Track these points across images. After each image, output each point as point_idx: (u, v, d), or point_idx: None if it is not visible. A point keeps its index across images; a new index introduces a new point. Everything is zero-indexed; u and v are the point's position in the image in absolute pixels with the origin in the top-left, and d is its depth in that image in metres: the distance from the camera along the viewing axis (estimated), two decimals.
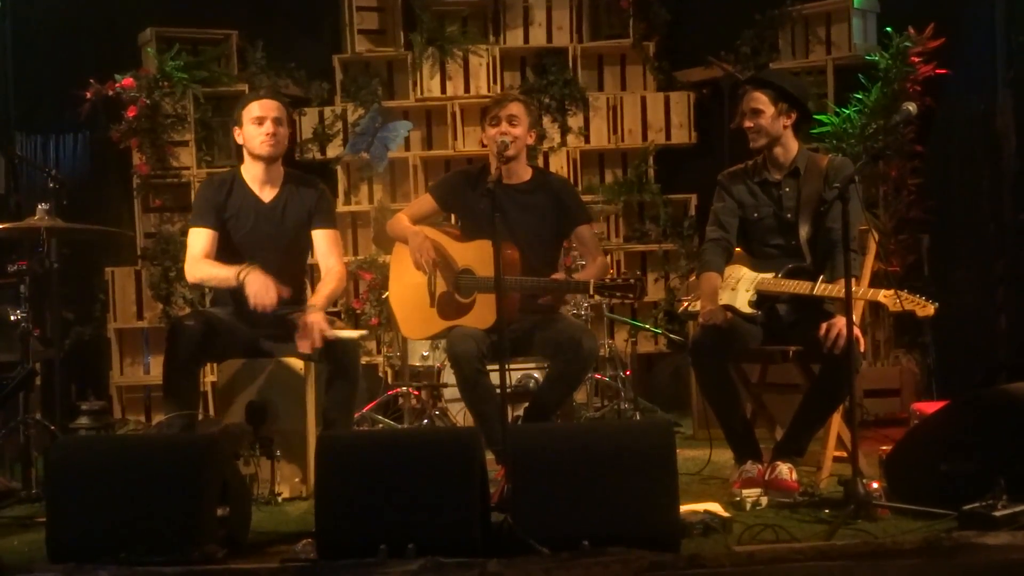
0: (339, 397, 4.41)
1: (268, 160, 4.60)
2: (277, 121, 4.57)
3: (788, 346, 4.33)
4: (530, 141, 4.68)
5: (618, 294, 4.28)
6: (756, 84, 4.46)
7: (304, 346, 4.32)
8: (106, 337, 6.92)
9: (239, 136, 4.61)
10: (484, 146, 4.73)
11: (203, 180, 5.11)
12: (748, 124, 4.41)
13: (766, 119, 4.37)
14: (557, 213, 4.66)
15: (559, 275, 4.47)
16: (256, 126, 4.55)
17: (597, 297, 4.56)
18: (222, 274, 4.45)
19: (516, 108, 4.61)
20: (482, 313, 4.46)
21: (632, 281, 4.26)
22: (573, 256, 6.16)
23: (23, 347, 4.65)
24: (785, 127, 4.39)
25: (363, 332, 4.92)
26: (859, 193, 4.11)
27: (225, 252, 4.57)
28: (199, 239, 4.54)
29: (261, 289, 4.33)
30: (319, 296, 4.53)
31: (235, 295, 4.46)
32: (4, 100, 6.95)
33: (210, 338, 4.38)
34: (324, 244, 4.66)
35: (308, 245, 4.70)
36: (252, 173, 4.63)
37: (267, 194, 4.62)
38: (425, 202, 4.83)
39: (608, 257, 7.08)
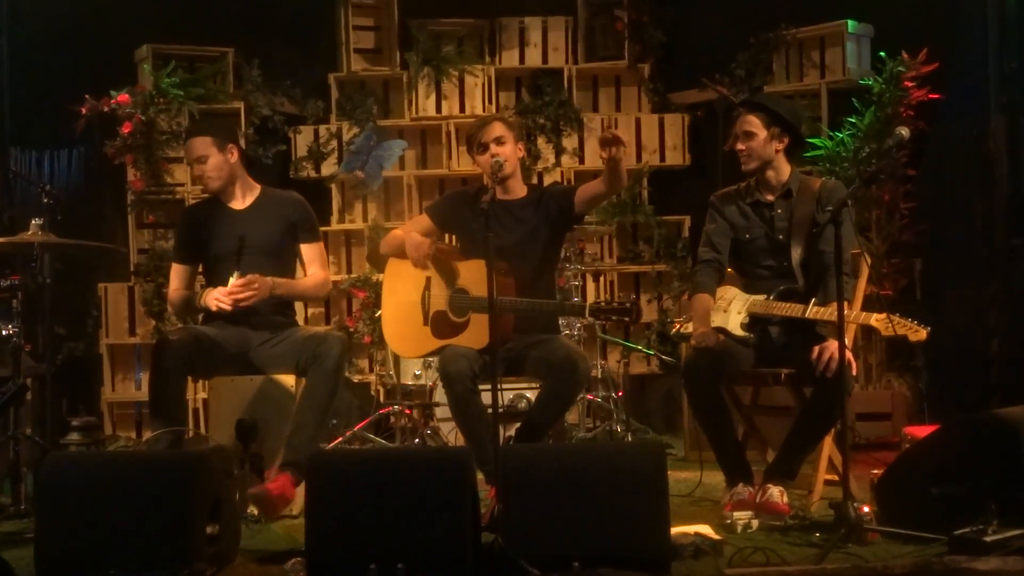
0: (311, 395, 4.37)
1: (219, 192, 4.72)
2: (201, 160, 4.66)
3: (780, 368, 4.34)
4: (520, 155, 4.68)
5: (614, 318, 4.27)
6: (749, 107, 4.48)
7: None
8: (98, 353, 6.91)
9: None
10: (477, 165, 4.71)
11: (183, 210, 5.23)
12: (740, 147, 4.43)
13: (758, 142, 4.38)
14: (549, 219, 4.62)
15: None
16: (193, 168, 4.76)
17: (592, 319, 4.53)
18: (191, 302, 4.70)
19: (499, 129, 4.60)
20: (476, 333, 4.45)
21: (628, 305, 4.24)
22: (567, 276, 6.18)
23: (14, 362, 4.64)
24: (777, 151, 4.41)
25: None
26: (852, 216, 4.13)
27: (215, 266, 4.64)
28: (176, 275, 4.78)
29: (218, 294, 4.48)
30: (288, 281, 4.68)
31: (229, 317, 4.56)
32: None
33: (197, 353, 4.41)
34: (311, 255, 4.80)
35: (293, 257, 4.76)
36: (228, 191, 4.75)
37: (243, 204, 4.75)
38: (421, 222, 4.81)
39: (602, 278, 7.12)
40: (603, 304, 4.27)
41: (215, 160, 4.65)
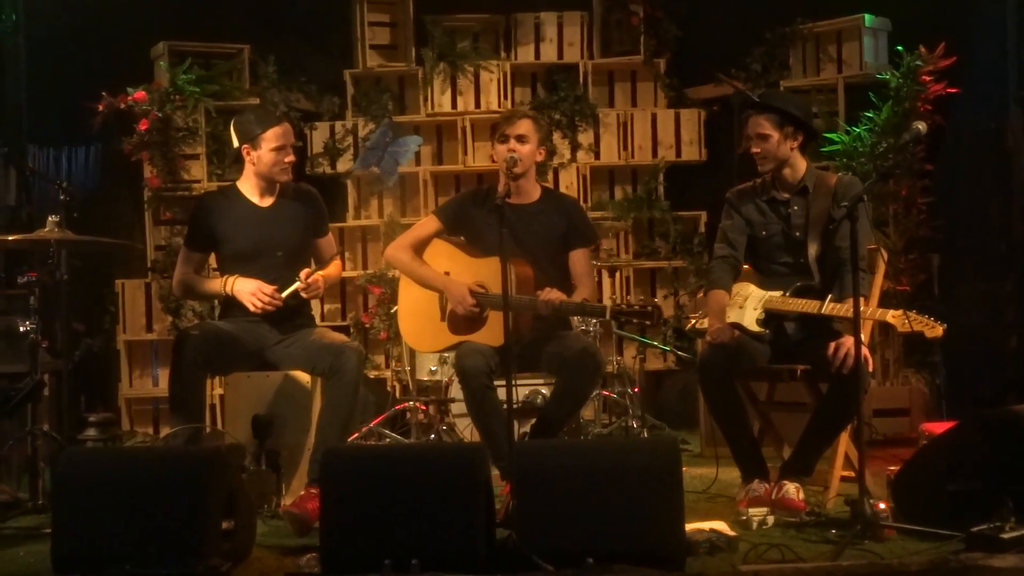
0: (333, 412, 4.38)
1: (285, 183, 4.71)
2: (293, 146, 4.67)
3: (796, 365, 4.33)
4: (539, 158, 4.67)
5: (635, 320, 4.25)
6: (759, 109, 4.44)
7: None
8: (115, 349, 6.93)
9: (250, 156, 4.62)
10: (494, 161, 4.70)
11: (199, 197, 5.20)
12: (755, 150, 4.40)
13: (772, 144, 4.36)
14: (565, 229, 4.65)
15: (580, 293, 4.47)
16: (277, 153, 4.60)
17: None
18: (210, 287, 4.67)
19: (525, 127, 4.58)
20: (493, 330, 4.43)
21: (649, 308, 4.22)
22: None
23: (31, 358, 4.66)
24: (792, 149, 4.38)
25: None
26: (868, 212, 4.11)
27: (234, 263, 4.62)
28: (185, 260, 4.71)
29: (255, 291, 4.47)
30: (329, 275, 4.76)
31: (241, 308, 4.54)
32: (17, 112, 6.97)
33: (216, 349, 4.43)
34: (327, 247, 4.86)
35: (311, 254, 4.76)
36: (253, 184, 4.69)
37: (266, 201, 4.70)
38: (429, 225, 4.78)
39: (618, 274, 7.11)
40: (624, 307, 4.25)
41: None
